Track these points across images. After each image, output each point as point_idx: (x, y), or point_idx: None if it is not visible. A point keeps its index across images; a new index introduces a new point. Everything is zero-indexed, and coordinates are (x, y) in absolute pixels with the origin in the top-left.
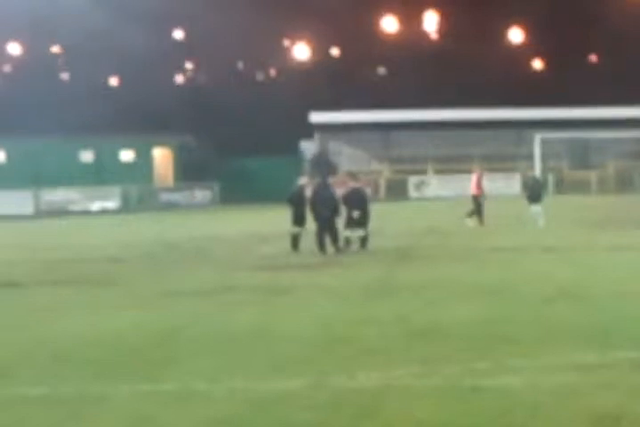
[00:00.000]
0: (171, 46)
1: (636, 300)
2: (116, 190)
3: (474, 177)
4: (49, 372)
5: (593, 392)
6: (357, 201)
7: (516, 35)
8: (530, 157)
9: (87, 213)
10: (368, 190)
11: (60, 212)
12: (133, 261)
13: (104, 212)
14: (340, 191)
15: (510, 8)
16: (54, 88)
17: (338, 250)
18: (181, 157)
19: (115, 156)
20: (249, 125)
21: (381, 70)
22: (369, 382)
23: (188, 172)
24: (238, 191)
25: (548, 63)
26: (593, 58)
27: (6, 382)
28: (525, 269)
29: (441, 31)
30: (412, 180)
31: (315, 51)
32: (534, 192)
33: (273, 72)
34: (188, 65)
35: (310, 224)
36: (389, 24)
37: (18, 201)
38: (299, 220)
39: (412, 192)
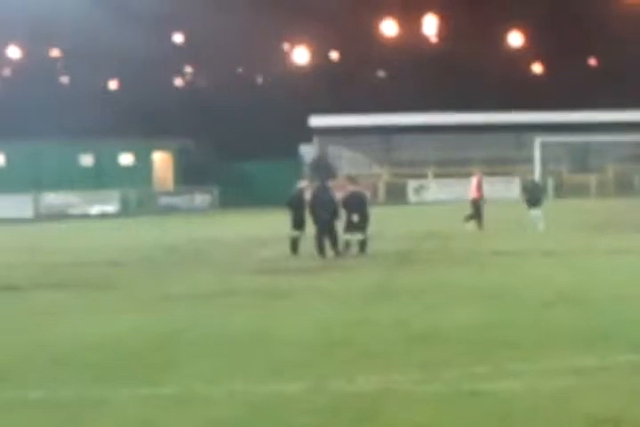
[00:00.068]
0: (170, 50)
1: (636, 303)
2: (115, 194)
3: (473, 181)
4: (48, 375)
5: (593, 396)
6: (357, 205)
7: (515, 38)
8: (529, 160)
9: (87, 216)
10: (367, 194)
11: (60, 215)
12: (133, 265)
13: (103, 215)
14: (339, 195)
15: (510, 11)
16: (54, 92)
17: (337, 254)
18: (181, 161)
19: (114, 159)
20: (248, 129)
21: (381, 74)
22: (368, 385)
23: (187, 175)
24: (238, 195)
25: (547, 67)
26: (592, 61)
27: (5, 386)
28: (525, 273)
29: (440, 35)
30: (412, 183)
31: (314, 54)
32: (534, 196)
33: (272, 76)
34: (188, 69)
35: (310, 228)
36: (389, 28)
37: (17, 205)
38: (298, 223)
39: (412, 196)
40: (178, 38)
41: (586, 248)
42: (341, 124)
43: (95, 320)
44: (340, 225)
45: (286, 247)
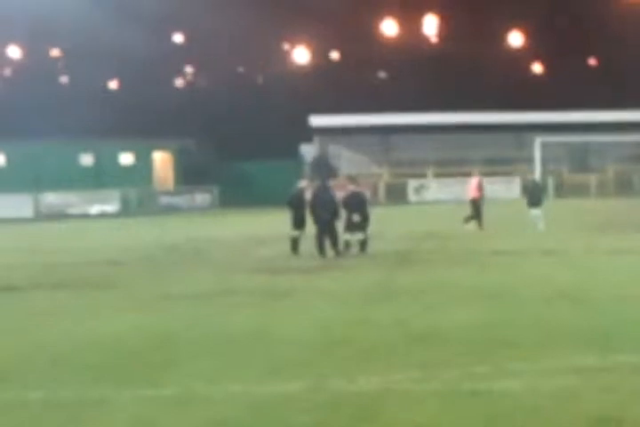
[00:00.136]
0: (171, 50)
1: (637, 303)
2: (115, 194)
3: (473, 181)
4: (48, 376)
5: (593, 396)
6: (357, 204)
7: (515, 38)
8: (530, 160)
9: (87, 216)
10: (368, 194)
11: (60, 215)
12: (133, 265)
13: (103, 215)
14: (339, 195)
15: (510, 12)
16: (54, 91)
17: (337, 253)
18: (181, 161)
19: (114, 159)
20: (249, 129)
21: (381, 74)
22: (368, 385)
23: (187, 175)
24: (238, 195)
25: (547, 67)
26: (592, 61)
27: (5, 386)
28: (525, 272)
29: (441, 35)
30: (412, 183)
31: (314, 54)
32: (534, 196)
33: (273, 76)
34: (188, 69)
35: (310, 227)
36: (389, 27)
37: (17, 204)
38: (298, 223)
39: (412, 196)
40: (178, 38)
41: (586, 248)
42: (342, 124)
43: (95, 320)
44: (340, 225)
45: (286, 247)
